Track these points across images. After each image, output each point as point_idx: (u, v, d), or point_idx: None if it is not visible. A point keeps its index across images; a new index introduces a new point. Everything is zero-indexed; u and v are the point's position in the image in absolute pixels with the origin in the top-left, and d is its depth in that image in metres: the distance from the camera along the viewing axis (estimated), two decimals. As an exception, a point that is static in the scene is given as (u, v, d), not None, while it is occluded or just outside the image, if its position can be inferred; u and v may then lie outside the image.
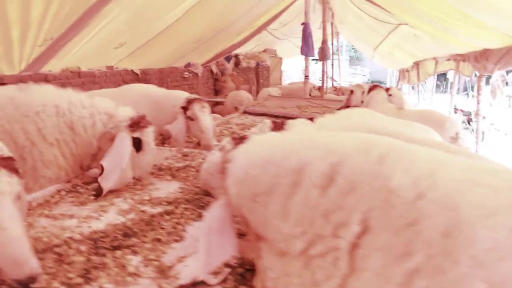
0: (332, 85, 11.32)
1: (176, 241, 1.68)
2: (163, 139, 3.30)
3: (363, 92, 4.76)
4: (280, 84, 12.32)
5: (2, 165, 1.22)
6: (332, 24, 10.92)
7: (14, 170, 1.26)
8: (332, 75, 12.62)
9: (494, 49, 5.57)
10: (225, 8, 6.67)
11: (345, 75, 18.36)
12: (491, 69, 5.91)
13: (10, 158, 1.31)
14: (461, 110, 10.52)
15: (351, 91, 5.01)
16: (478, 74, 6.44)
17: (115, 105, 2.32)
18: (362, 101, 4.91)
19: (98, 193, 2.08)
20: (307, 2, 6.65)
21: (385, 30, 8.55)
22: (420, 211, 0.94)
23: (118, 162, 2.15)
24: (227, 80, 9.88)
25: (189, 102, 3.14)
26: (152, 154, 2.36)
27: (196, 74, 8.61)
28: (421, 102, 10.89)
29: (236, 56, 10.86)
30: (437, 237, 0.90)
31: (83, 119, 2.20)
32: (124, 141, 2.20)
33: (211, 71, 9.62)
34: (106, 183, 2.09)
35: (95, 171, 2.42)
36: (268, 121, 2.82)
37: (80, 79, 5.31)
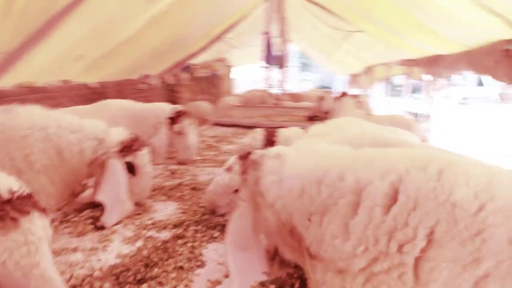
0: (286, 92, 11.44)
1: (199, 266, 1.59)
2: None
3: (334, 99, 4.85)
4: (230, 93, 12.27)
5: (30, 205, 1.08)
6: (285, 32, 11.07)
7: (42, 210, 1.12)
8: (283, 82, 12.79)
9: (444, 55, 5.93)
10: (185, 18, 6.55)
11: (295, 81, 18.71)
12: (441, 73, 6.30)
13: (31, 196, 1.15)
14: (410, 112, 11.06)
15: (321, 98, 5.09)
16: (428, 78, 6.83)
17: (106, 127, 2.14)
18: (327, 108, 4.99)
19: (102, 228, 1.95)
20: (267, 11, 6.69)
21: (339, 38, 8.79)
22: (484, 222, 1.00)
23: (116, 195, 2.00)
24: (183, 91, 9.69)
25: (179, 115, 2.98)
26: (149, 178, 2.20)
27: (152, 85, 8.36)
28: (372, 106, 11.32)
29: (191, 66, 10.69)
30: (504, 244, 0.96)
31: (71, 145, 1.99)
32: (116, 170, 2.03)
33: (167, 82, 9.39)
34: (111, 220, 1.96)
35: (85, 195, 2.25)
36: (260, 130, 2.79)
37: (35, 95, 4.93)
